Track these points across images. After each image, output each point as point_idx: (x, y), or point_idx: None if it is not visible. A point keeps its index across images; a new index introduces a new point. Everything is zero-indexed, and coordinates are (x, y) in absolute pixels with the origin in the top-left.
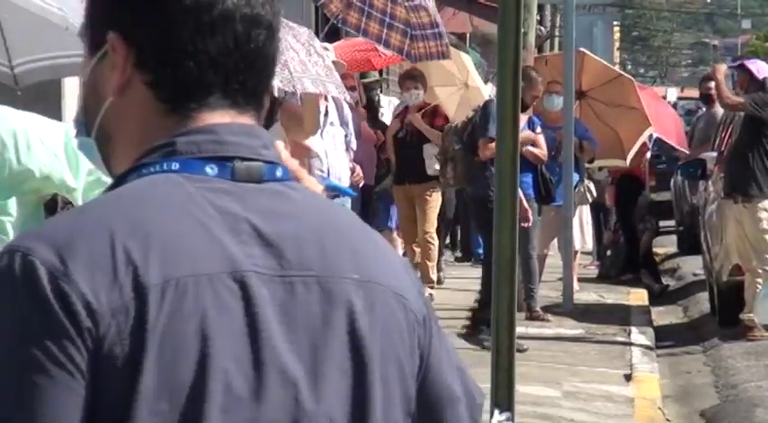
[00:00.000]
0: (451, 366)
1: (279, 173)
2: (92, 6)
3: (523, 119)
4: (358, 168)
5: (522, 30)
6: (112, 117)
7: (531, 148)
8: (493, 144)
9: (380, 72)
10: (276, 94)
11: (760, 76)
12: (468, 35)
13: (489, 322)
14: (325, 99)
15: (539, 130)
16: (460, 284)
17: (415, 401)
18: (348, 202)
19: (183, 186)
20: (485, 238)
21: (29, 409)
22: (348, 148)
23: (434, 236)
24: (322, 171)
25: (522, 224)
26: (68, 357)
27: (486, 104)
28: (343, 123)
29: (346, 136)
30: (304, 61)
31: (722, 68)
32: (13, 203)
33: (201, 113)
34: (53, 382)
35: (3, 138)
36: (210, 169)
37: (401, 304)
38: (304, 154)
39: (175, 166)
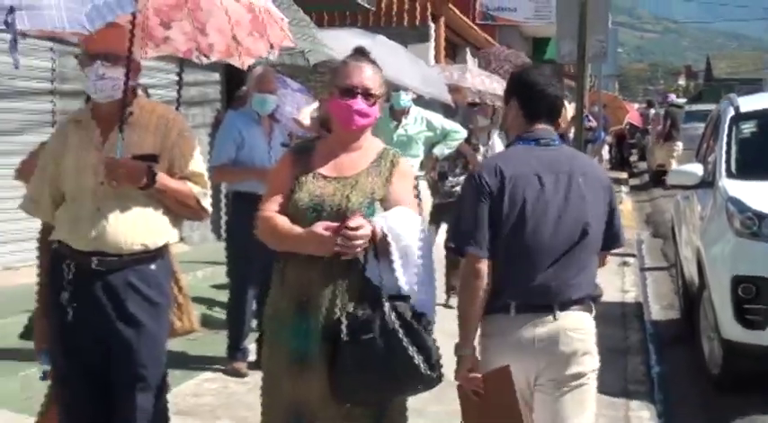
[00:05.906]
0: None
1: (556, 143)
2: (506, 90)
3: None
4: None
5: None
6: (508, 119)
7: None
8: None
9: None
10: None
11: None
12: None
13: None
14: None
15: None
16: None
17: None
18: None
19: (522, 149)
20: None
21: (478, 210)
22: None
23: None
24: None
25: None
26: (491, 196)
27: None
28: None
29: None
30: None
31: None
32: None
33: (537, 124)
34: (485, 202)
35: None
36: (534, 143)
37: (600, 178)
38: None
39: (522, 143)
